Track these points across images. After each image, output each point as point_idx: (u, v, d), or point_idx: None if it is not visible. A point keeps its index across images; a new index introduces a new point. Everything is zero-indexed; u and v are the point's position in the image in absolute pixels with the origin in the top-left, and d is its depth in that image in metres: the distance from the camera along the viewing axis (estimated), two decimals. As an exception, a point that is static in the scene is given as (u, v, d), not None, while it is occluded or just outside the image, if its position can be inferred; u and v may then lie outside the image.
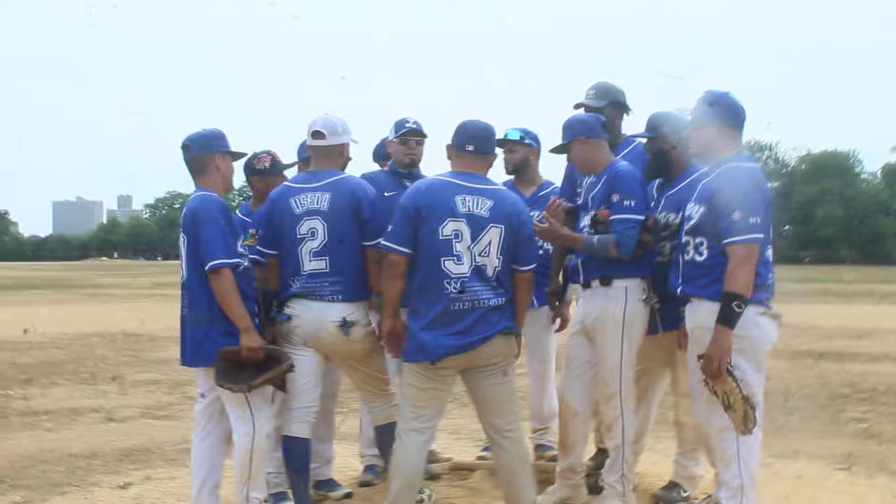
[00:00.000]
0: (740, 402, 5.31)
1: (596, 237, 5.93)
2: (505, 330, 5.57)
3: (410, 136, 6.79)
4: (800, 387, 12.71)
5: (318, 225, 5.84)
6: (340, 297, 5.83)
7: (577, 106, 6.48)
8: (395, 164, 6.88)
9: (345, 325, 5.81)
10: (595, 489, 6.29)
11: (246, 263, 5.72)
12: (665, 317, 6.07)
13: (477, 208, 5.51)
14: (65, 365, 15.25)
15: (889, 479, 7.60)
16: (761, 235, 5.29)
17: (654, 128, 6.13)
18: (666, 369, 6.45)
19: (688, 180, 6.00)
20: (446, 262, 5.44)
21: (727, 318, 5.21)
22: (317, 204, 5.87)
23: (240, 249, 5.68)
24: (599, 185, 6.08)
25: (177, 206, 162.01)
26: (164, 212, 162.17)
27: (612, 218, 5.91)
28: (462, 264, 5.45)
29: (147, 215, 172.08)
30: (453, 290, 5.43)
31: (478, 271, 5.48)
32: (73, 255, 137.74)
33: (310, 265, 5.84)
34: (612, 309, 5.98)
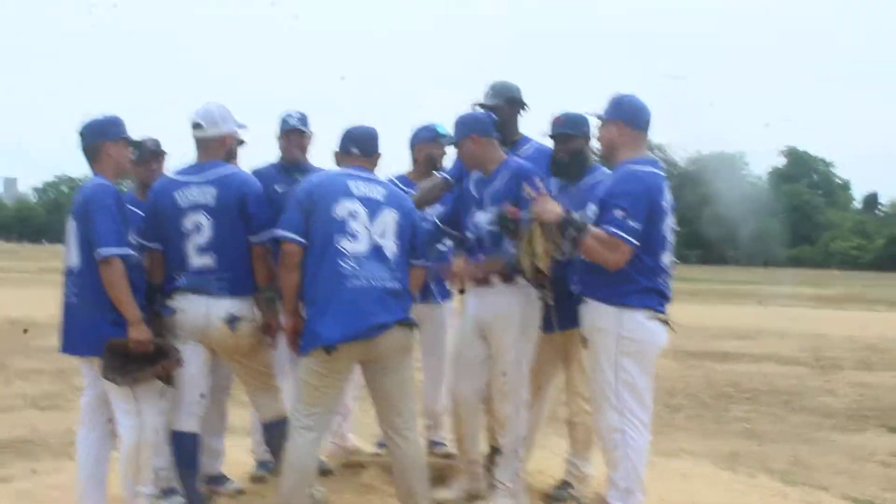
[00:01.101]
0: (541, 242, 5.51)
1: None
2: (403, 321, 5.55)
3: (292, 133, 6.76)
4: (685, 386, 12.99)
5: (203, 220, 5.76)
6: (227, 292, 5.77)
7: (475, 105, 6.51)
8: (282, 158, 6.84)
9: (231, 321, 5.75)
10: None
11: (137, 255, 5.64)
12: (562, 315, 6.13)
13: (371, 193, 5.57)
14: (-55, 353, 14.77)
15: (769, 479, 7.81)
16: (633, 240, 5.34)
17: (575, 125, 6.18)
18: (559, 368, 6.51)
19: (594, 181, 6.09)
20: (341, 240, 5.43)
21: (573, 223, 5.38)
22: (202, 199, 5.78)
23: (130, 240, 5.59)
24: (496, 181, 6.09)
25: (66, 189, 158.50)
26: (51, 195, 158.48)
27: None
28: (358, 242, 5.45)
29: (34, 199, 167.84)
30: (347, 267, 5.40)
31: (376, 251, 5.48)
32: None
33: (197, 260, 5.76)
34: (512, 306, 6.02)
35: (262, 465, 6.72)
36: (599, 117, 5.73)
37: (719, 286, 46.27)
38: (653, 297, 5.46)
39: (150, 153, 6.48)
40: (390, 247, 5.54)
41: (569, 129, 6.19)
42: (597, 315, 5.50)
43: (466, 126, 6.17)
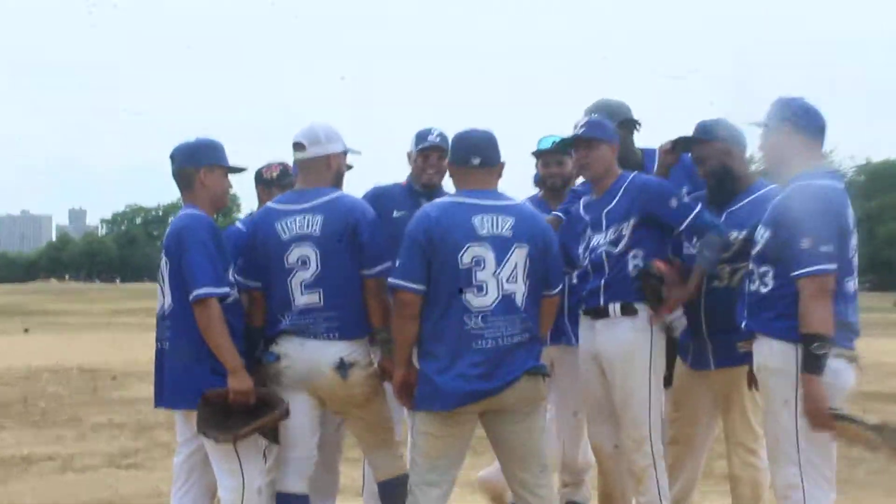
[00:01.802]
0: (871, 437, 5.24)
1: (705, 250, 6.02)
2: (532, 370, 5.56)
3: (432, 151, 6.70)
4: (875, 424, 12.64)
5: (309, 252, 5.78)
6: (337, 334, 5.78)
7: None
8: (412, 180, 6.82)
9: (342, 367, 5.76)
10: None
11: (236, 294, 5.73)
12: (719, 351, 6.07)
13: (499, 229, 5.52)
14: (13, 405, 15.25)
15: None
16: (834, 266, 5.22)
17: (707, 132, 6.17)
18: (717, 413, 6.43)
19: (753, 196, 6.07)
20: (466, 294, 5.44)
21: (810, 365, 5.16)
22: (307, 228, 5.80)
23: (230, 278, 5.69)
24: (615, 200, 6.12)
25: (138, 221, 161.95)
26: (122, 228, 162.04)
27: (688, 221, 6.01)
28: (485, 295, 5.45)
29: (104, 232, 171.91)
30: (474, 327, 5.43)
31: (504, 302, 5.48)
32: (17, 277, 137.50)
33: (302, 299, 5.77)
34: (639, 341, 6.02)
35: None
36: (761, 125, 5.66)
37: (897, 316, 45.18)
38: (839, 330, 5.33)
39: (275, 182, 6.61)
40: (520, 291, 5.53)
41: (701, 135, 6.19)
42: (770, 353, 5.40)
43: (609, 130, 6.19)
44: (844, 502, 8.65)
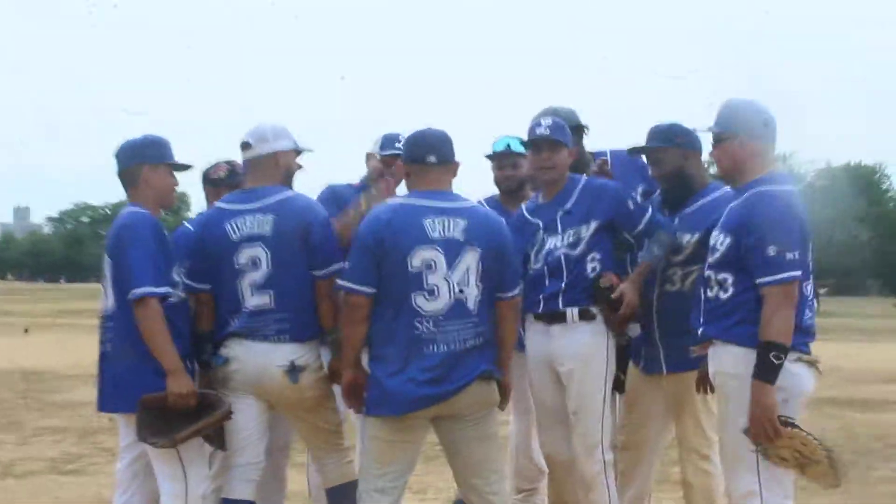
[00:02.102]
0: (818, 451, 5.25)
1: (653, 246, 6.09)
2: (485, 374, 5.56)
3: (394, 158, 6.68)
4: (821, 440, 12.74)
5: (260, 253, 5.76)
6: (288, 336, 5.76)
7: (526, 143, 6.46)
8: (367, 181, 6.78)
9: (293, 371, 5.73)
10: None
11: (181, 294, 5.70)
12: (671, 355, 6.10)
13: (450, 231, 5.51)
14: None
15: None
16: (799, 273, 5.25)
17: (667, 138, 6.21)
18: (669, 418, 6.46)
19: (706, 199, 6.14)
20: (417, 298, 5.44)
21: (765, 373, 5.16)
22: (258, 228, 5.77)
23: (175, 277, 5.65)
24: (572, 202, 6.20)
25: (85, 219, 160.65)
26: (69, 227, 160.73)
27: (643, 223, 6.12)
28: (437, 299, 5.45)
29: (49, 230, 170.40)
30: (425, 331, 5.43)
31: (457, 306, 5.48)
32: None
33: (252, 300, 5.75)
34: (596, 346, 6.06)
35: None
36: (713, 132, 5.64)
37: (857, 321, 45.59)
38: (797, 335, 5.34)
39: (224, 181, 6.54)
40: (473, 295, 5.53)
41: (657, 142, 6.24)
42: (728, 359, 5.41)
43: (568, 136, 6.25)
44: (800, 509, 8.77)
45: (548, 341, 6.18)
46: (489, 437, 5.68)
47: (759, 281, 5.25)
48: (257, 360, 5.74)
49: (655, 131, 6.31)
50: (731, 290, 5.41)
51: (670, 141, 6.22)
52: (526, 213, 6.30)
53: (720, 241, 5.48)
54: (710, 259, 5.53)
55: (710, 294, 5.52)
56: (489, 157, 7.14)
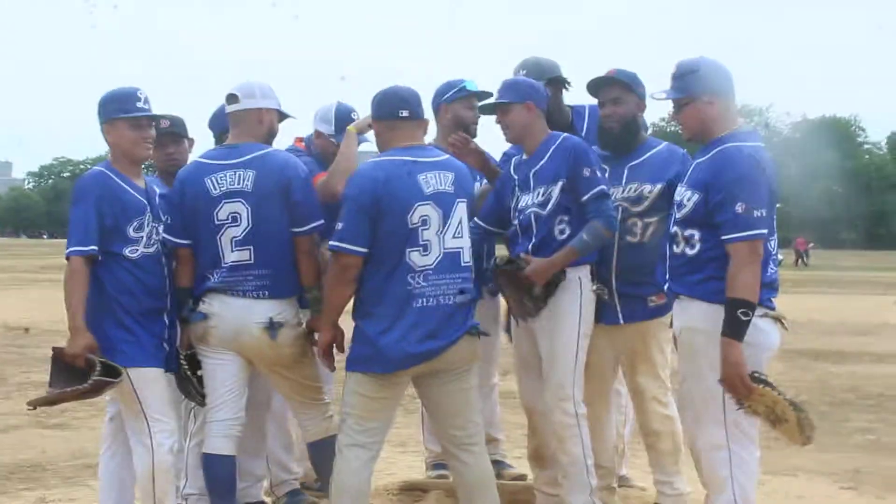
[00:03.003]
0: (789, 409, 5.23)
1: (584, 233, 5.90)
2: (472, 330, 5.61)
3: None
4: (796, 392, 12.80)
5: (240, 209, 5.72)
6: (267, 293, 5.74)
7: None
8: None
9: (272, 327, 5.72)
10: None
11: (147, 251, 5.64)
12: (628, 305, 6.12)
13: (442, 185, 5.52)
14: (-65, 364, 15.02)
15: (901, 499, 7.71)
16: (766, 231, 5.26)
17: (634, 83, 6.23)
18: (616, 370, 6.53)
19: (653, 151, 6.22)
20: (411, 253, 5.42)
21: (734, 330, 5.15)
22: (238, 184, 5.74)
23: (132, 234, 5.60)
24: (544, 159, 6.10)
25: (66, 174, 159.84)
26: (49, 181, 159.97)
27: (589, 195, 5.92)
28: (428, 254, 5.45)
29: (30, 185, 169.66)
30: (416, 286, 5.42)
31: (446, 259, 5.49)
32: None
33: (231, 256, 5.72)
34: (568, 302, 6.01)
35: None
36: (673, 98, 5.61)
37: (832, 273, 45.83)
38: (762, 290, 5.32)
39: (165, 134, 6.33)
40: (466, 246, 5.58)
41: (624, 81, 6.22)
42: (694, 314, 5.40)
43: (521, 90, 6.15)
44: (776, 459, 8.82)
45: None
46: (469, 389, 5.70)
47: (725, 237, 5.24)
48: (236, 316, 5.72)
49: (622, 73, 6.28)
50: (697, 247, 5.40)
51: (634, 87, 6.23)
52: (511, 170, 6.28)
53: (687, 197, 5.46)
54: (677, 215, 5.52)
55: (676, 250, 5.51)
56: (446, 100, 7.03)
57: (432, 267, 5.44)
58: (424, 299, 5.43)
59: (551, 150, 6.06)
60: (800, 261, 63.13)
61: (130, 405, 5.60)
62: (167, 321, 5.72)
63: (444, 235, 5.47)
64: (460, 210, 5.54)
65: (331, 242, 5.51)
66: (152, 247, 5.67)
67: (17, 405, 11.72)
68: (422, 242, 5.42)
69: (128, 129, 5.69)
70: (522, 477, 6.77)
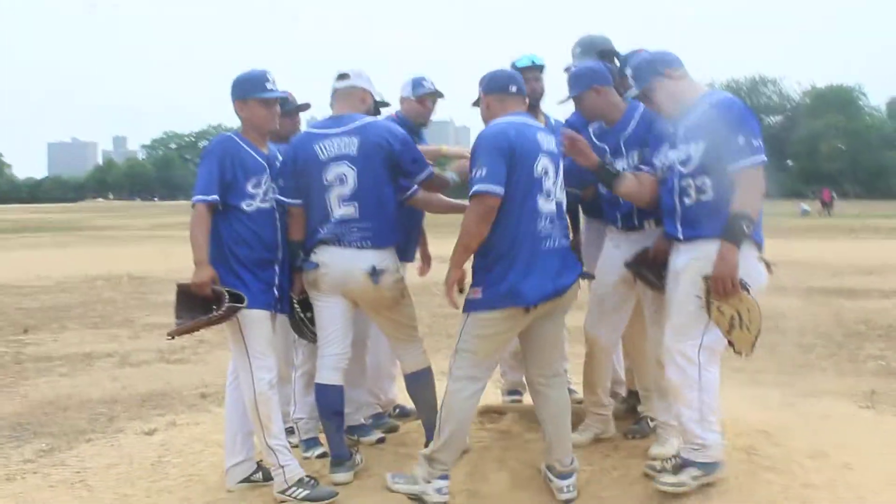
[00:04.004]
0: (756, 320, 5.20)
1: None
2: (583, 275, 5.72)
3: (428, 97, 6.90)
4: (815, 324, 12.74)
5: (346, 170, 5.74)
6: (369, 243, 5.75)
7: (567, 69, 6.42)
8: (407, 118, 6.88)
9: (374, 274, 5.73)
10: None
11: (262, 205, 5.66)
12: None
13: (551, 145, 5.52)
14: (73, 309, 15.32)
15: (913, 417, 7.62)
16: (765, 158, 5.22)
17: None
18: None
19: (635, 120, 6.03)
20: (539, 199, 5.38)
21: (736, 236, 5.10)
22: (344, 149, 5.77)
23: (251, 189, 5.62)
24: (632, 128, 6.00)
25: (173, 146, 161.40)
26: (160, 152, 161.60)
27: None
28: (550, 201, 5.41)
29: (143, 156, 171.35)
30: (542, 230, 5.37)
31: (559, 207, 5.48)
32: (69, 197, 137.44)
33: (339, 211, 5.74)
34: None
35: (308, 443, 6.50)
36: (638, 94, 5.61)
37: (839, 221, 45.32)
38: (759, 232, 5.35)
39: (296, 108, 6.55)
40: (563, 198, 5.55)
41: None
42: (713, 248, 5.19)
43: (584, 78, 6.05)
44: (803, 383, 8.81)
45: (629, 246, 6.03)
46: (564, 327, 5.75)
47: (732, 167, 5.18)
48: (343, 263, 5.74)
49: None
50: (711, 193, 5.32)
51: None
52: (594, 138, 6.20)
53: (692, 150, 5.39)
54: (686, 169, 5.41)
55: (688, 202, 5.41)
56: None
57: (553, 213, 5.41)
58: (550, 241, 5.38)
59: (636, 119, 6.00)
60: (827, 211, 61.61)
61: (237, 343, 5.63)
62: (278, 270, 5.73)
63: (556, 186, 5.45)
64: (560, 167, 5.54)
65: (475, 187, 5.32)
66: (267, 202, 5.69)
67: (144, 343, 11.93)
68: (545, 190, 5.38)
69: (259, 107, 5.73)
70: (580, 401, 6.72)
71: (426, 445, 5.75)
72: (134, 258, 25.11)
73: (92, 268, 22.05)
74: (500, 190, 5.26)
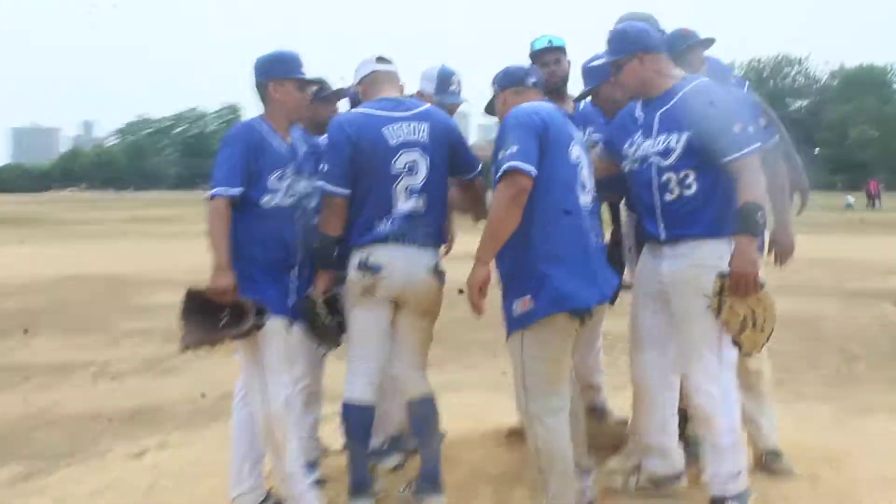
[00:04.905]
0: (772, 320, 5.20)
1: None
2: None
3: (453, 107, 6.65)
4: (857, 330, 12.58)
5: (418, 158, 5.62)
6: (431, 241, 5.68)
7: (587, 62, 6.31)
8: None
9: (438, 273, 5.67)
10: None
11: (282, 202, 5.50)
12: None
13: (579, 135, 5.48)
14: (42, 314, 15.10)
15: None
16: (761, 142, 5.25)
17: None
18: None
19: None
20: (578, 190, 5.25)
21: (752, 229, 5.09)
22: (415, 135, 5.65)
23: (272, 184, 5.47)
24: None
25: (146, 132, 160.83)
26: (130, 138, 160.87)
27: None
28: (587, 194, 5.31)
29: (115, 141, 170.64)
30: (585, 223, 5.24)
31: (594, 203, 5.38)
32: (33, 187, 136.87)
33: (406, 205, 5.57)
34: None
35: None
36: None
37: (875, 215, 45.18)
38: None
39: (334, 93, 6.39)
40: (596, 195, 5.43)
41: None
42: (707, 252, 5.26)
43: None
44: (851, 399, 8.66)
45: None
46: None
47: (731, 157, 5.16)
48: (406, 265, 5.57)
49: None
50: (695, 186, 5.28)
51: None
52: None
53: (673, 140, 5.33)
54: (666, 162, 5.34)
55: (669, 197, 5.36)
56: (531, 56, 6.83)
57: (590, 208, 5.30)
58: (592, 236, 5.28)
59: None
60: (873, 203, 60.96)
61: (249, 355, 5.47)
62: (296, 273, 5.58)
63: (590, 179, 5.37)
64: (590, 160, 5.48)
65: (505, 164, 5.09)
66: (289, 199, 5.54)
67: (126, 352, 11.79)
68: (581, 181, 5.27)
69: (295, 90, 5.62)
70: (624, 422, 6.56)
71: (423, 475, 5.72)
72: (108, 257, 24.88)
73: (62, 267, 21.81)
74: (532, 169, 5.06)
